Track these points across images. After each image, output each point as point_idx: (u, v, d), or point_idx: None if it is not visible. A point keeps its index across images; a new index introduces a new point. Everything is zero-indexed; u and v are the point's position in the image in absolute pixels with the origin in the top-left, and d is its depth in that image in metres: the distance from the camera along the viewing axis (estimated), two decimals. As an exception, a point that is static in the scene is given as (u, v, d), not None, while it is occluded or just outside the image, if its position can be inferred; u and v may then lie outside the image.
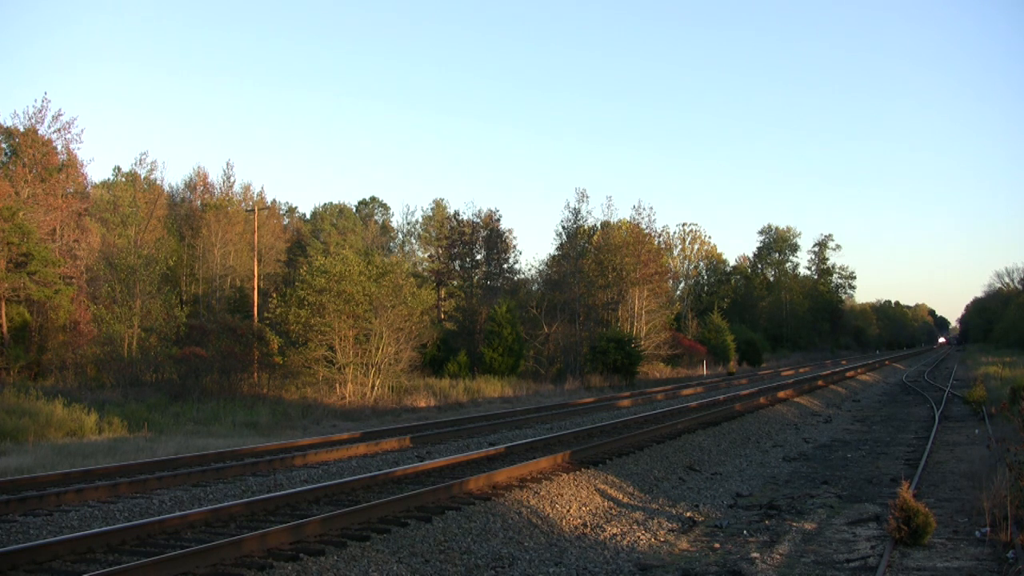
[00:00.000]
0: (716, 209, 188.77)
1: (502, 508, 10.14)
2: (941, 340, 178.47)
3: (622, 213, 73.69)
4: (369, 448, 15.75)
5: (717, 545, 9.64)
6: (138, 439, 18.13)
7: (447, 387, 32.66)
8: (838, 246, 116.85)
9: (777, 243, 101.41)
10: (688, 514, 11.37)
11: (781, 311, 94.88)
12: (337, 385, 29.66)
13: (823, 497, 12.59)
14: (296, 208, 74.32)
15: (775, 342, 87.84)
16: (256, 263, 37.84)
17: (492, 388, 33.71)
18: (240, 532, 8.64)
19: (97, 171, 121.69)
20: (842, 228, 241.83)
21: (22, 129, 36.94)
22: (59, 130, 37.74)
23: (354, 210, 71.76)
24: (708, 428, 18.82)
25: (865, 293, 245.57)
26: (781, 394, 27.94)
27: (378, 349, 30.19)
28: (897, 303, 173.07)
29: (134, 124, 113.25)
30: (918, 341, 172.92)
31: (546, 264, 51.93)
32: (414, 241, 63.21)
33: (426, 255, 58.42)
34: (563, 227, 48.50)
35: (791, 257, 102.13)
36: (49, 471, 12.77)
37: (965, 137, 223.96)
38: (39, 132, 36.86)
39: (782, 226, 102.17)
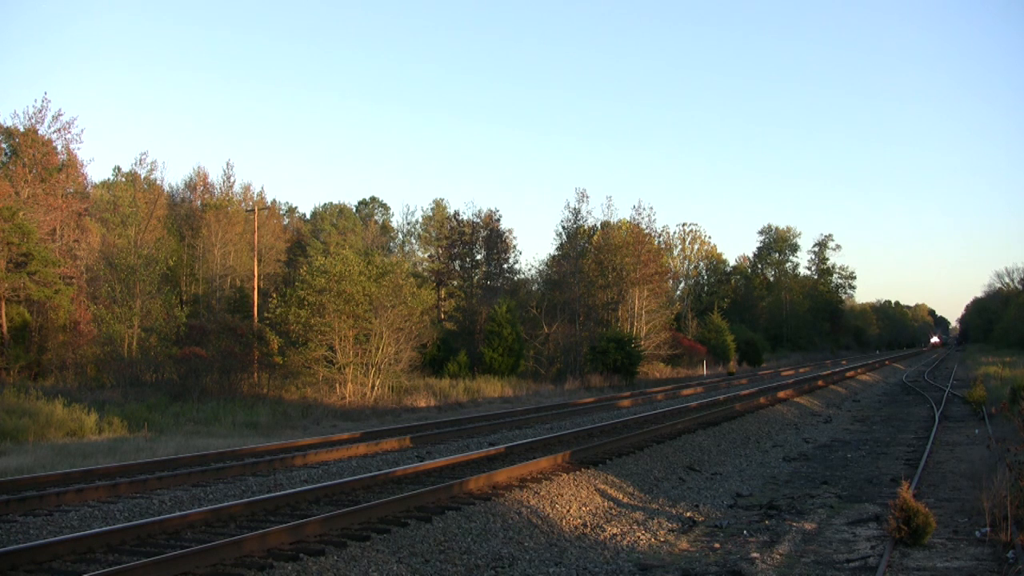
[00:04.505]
0: (716, 209, 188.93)
1: (502, 508, 10.14)
2: (934, 340, 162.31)
3: (622, 213, 73.77)
4: (369, 448, 15.74)
5: (717, 545, 9.64)
6: (138, 439, 18.12)
7: (447, 387, 32.65)
8: (838, 246, 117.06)
9: (777, 243, 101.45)
10: (688, 514, 11.36)
11: (781, 311, 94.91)
12: (337, 385, 29.65)
13: (823, 497, 12.59)
14: (296, 208, 74.44)
15: (775, 342, 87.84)
16: (256, 263, 37.83)
17: (492, 388, 33.70)
18: (240, 532, 8.64)
19: (97, 171, 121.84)
20: (842, 228, 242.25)
21: (22, 129, 36.98)
22: (59, 130, 37.79)
23: (354, 210, 71.78)
24: (708, 428, 18.82)
25: (865, 293, 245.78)
26: (781, 394, 27.94)
27: (378, 349, 30.19)
28: (897, 303, 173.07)
29: (134, 124, 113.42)
30: (918, 341, 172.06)
31: (546, 264, 51.98)
32: (414, 241, 63.24)
33: (426, 255, 58.43)
34: (563, 227, 48.57)
35: (791, 257, 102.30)
36: (49, 471, 12.77)
37: (965, 137, 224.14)
38: (39, 132, 36.88)
39: (782, 226, 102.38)
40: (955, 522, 10.43)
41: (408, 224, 63.79)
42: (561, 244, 48.95)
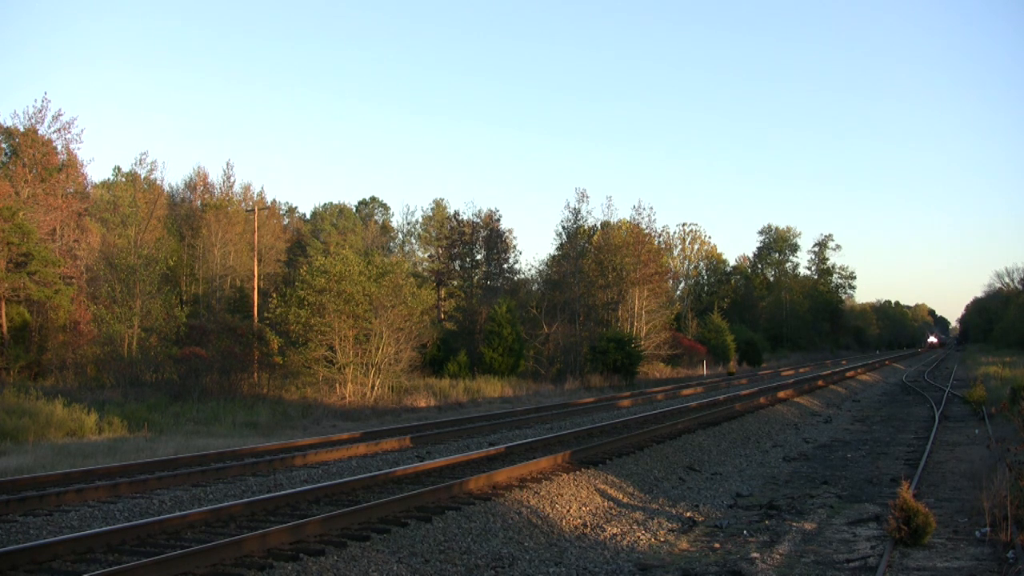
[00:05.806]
0: (716, 209, 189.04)
1: (502, 508, 10.14)
2: (932, 340, 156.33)
3: (622, 213, 73.85)
4: (369, 448, 15.75)
5: (717, 545, 9.64)
6: (138, 439, 18.13)
7: (447, 387, 32.64)
8: (838, 246, 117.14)
9: (777, 243, 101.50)
10: (688, 514, 11.36)
11: (781, 311, 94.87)
12: (337, 385, 29.65)
13: (823, 497, 12.59)
14: (296, 208, 74.46)
15: (775, 342, 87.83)
16: (256, 263, 37.84)
17: (492, 388, 33.69)
18: (240, 532, 8.64)
19: (97, 171, 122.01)
20: (842, 228, 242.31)
21: (22, 129, 36.98)
22: (59, 130, 37.79)
23: (354, 210, 71.81)
24: (708, 428, 18.82)
25: (865, 293, 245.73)
26: (781, 394, 27.94)
27: (378, 349, 30.19)
28: (897, 303, 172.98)
29: (134, 124, 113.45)
30: (918, 341, 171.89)
31: (546, 264, 51.97)
32: (414, 241, 63.24)
33: (426, 255, 58.44)
34: (563, 227, 48.55)
35: (791, 257, 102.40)
36: (49, 471, 12.76)
37: (965, 137, 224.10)
38: (39, 132, 36.88)
39: (782, 226, 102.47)
40: (955, 522, 10.43)
41: (408, 224, 63.85)
42: (561, 244, 48.95)
